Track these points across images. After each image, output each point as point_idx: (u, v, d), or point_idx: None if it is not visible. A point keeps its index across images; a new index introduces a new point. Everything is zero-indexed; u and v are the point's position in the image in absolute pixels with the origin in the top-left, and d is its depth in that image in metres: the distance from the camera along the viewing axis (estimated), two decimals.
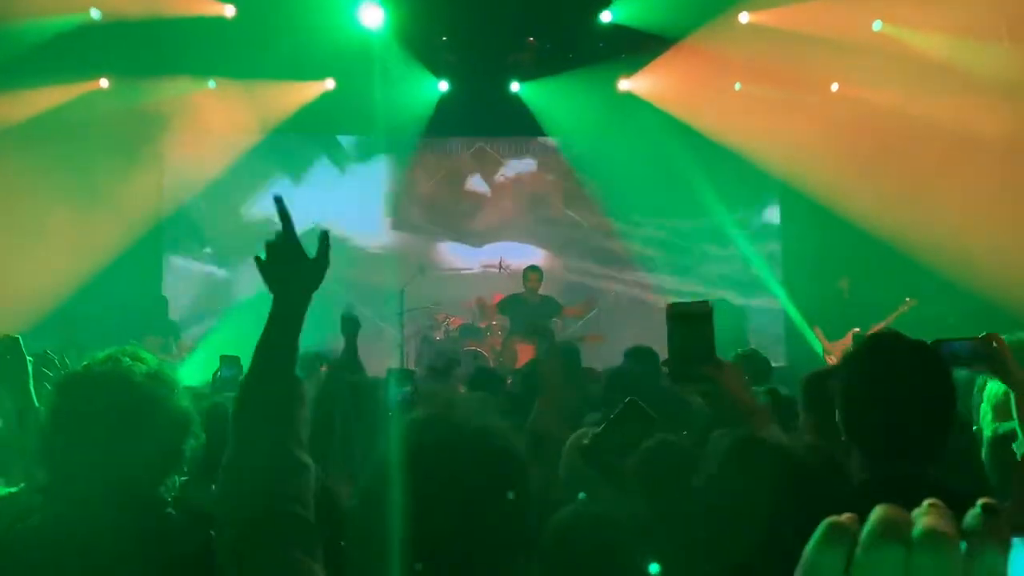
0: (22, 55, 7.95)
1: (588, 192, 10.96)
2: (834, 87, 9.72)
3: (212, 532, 1.58)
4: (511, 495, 1.20)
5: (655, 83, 10.01)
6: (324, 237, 1.50)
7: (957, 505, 0.51)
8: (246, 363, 3.03)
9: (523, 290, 9.18)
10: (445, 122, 10.26)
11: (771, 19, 8.78)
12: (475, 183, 11.19)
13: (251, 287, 10.38)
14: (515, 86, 10.41)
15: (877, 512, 0.49)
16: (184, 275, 10.54)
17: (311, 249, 1.51)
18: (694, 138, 9.83)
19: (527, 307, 9.01)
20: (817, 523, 0.52)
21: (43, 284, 8.04)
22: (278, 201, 1.52)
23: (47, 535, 1.54)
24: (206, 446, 1.76)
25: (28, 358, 2.43)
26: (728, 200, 11.02)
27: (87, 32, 8.35)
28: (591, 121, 10.08)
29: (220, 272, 10.67)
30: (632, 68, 10.10)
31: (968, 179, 7.95)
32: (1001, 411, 2.41)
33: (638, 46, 9.75)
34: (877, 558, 0.47)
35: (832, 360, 8.61)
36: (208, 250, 10.68)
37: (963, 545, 0.48)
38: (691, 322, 1.90)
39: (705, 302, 1.94)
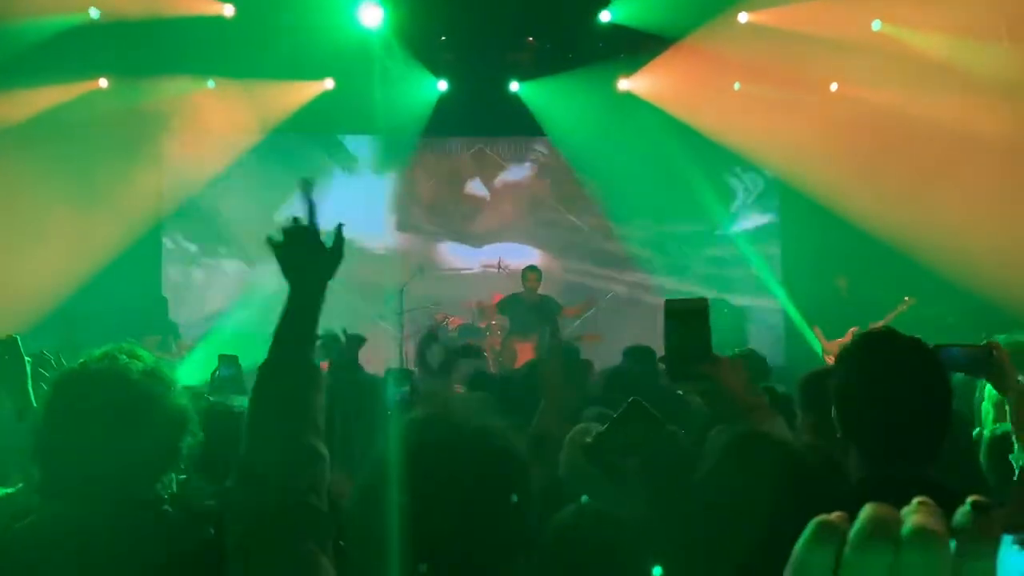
0: (21, 55, 7.94)
1: (587, 192, 10.96)
2: (833, 87, 9.72)
3: (211, 529, 1.58)
4: (514, 497, 1.20)
5: (654, 83, 10.01)
6: (339, 230, 1.52)
7: (954, 505, 0.52)
8: (245, 363, 3.03)
9: (522, 290, 9.19)
10: (444, 122, 10.25)
11: (770, 19, 8.78)
12: (475, 187, 11.20)
13: (252, 288, 10.41)
14: (514, 86, 10.40)
15: (866, 511, 0.49)
16: (186, 275, 10.54)
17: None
18: (693, 138, 9.83)
19: (526, 307, 9.02)
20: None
21: (42, 284, 8.03)
22: (306, 185, 1.53)
23: (43, 534, 1.53)
24: (204, 445, 1.75)
25: (26, 358, 2.43)
26: (727, 200, 11.04)
27: (86, 32, 8.35)
28: (590, 121, 10.07)
29: (221, 273, 10.68)
30: (631, 68, 10.10)
31: (967, 179, 7.95)
32: (1003, 410, 2.41)
33: (637, 46, 9.75)
34: (866, 557, 0.48)
35: (831, 360, 8.61)
36: (214, 249, 10.69)
37: (953, 543, 0.48)
38: (687, 319, 1.90)
39: (701, 299, 1.94)
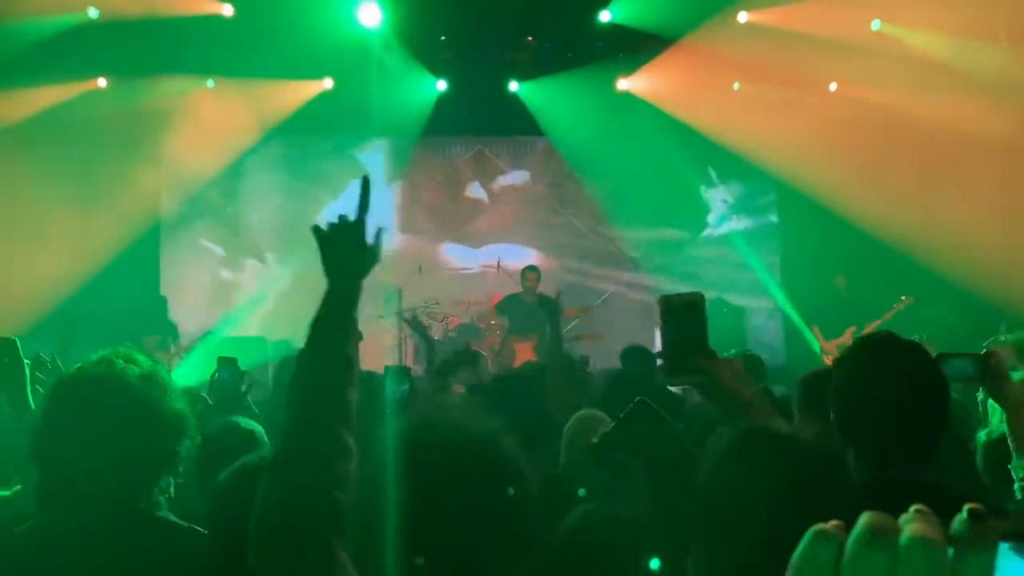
0: (20, 54, 7.93)
1: (586, 193, 10.96)
2: (832, 87, 9.72)
3: (204, 532, 1.58)
4: (511, 491, 1.21)
5: (654, 83, 10.01)
6: (380, 232, 1.56)
7: (952, 507, 0.51)
8: (243, 363, 3.02)
9: (521, 290, 9.19)
10: (443, 121, 10.25)
11: (770, 18, 8.78)
12: (474, 189, 11.20)
13: (254, 288, 10.44)
14: (514, 85, 10.40)
15: (864, 519, 0.49)
16: (189, 274, 10.56)
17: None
18: (693, 138, 9.83)
19: (525, 307, 9.02)
20: (822, 521, 0.52)
21: (41, 284, 8.03)
22: (365, 181, 1.55)
23: (42, 539, 1.53)
24: (208, 459, 1.75)
25: (25, 361, 2.42)
26: (725, 199, 11.05)
27: (85, 31, 8.34)
28: (590, 121, 10.07)
29: (225, 273, 10.70)
30: (631, 68, 10.10)
31: (967, 179, 7.95)
32: None
33: (637, 46, 9.75)
34: (864, 566, 0.47)
35: (829, 360, 8.61)
36: (218, 250, 10.72)
37: (950, 552, 0.48)
38: (683, 313, 1.91)
39: (697, 293, 1.94)
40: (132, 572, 1.53)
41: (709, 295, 2.36)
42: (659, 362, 2.03)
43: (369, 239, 1.55)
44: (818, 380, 2.84)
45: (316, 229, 1.54)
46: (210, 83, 9.65)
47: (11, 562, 1.51)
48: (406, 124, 10.09)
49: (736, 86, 9.95)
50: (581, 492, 2.29)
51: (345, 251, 1.51)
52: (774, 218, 10.96)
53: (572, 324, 9.44)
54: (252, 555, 1.29)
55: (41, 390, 2.39)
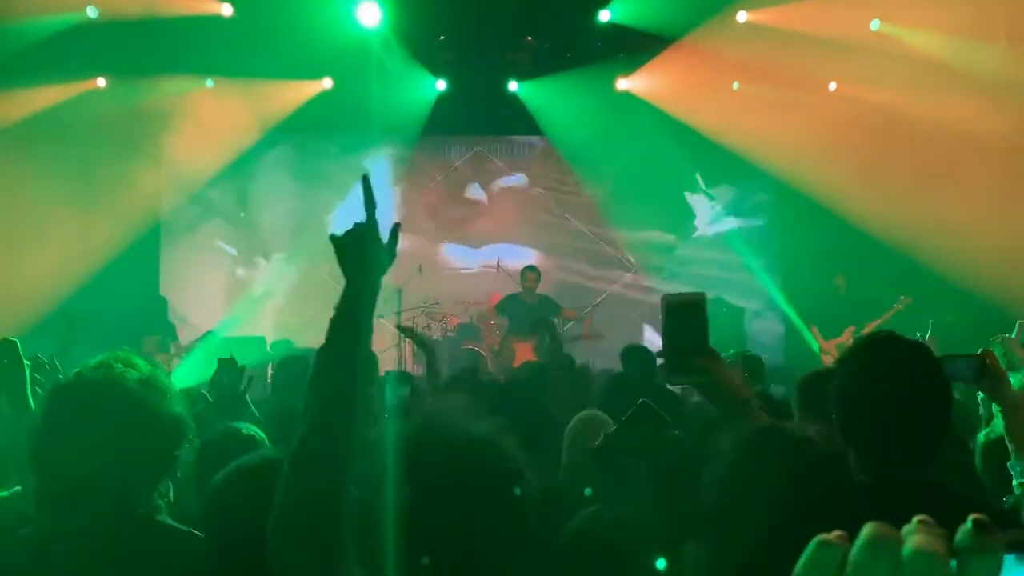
0: (19, 54, 7.93)
1: (585, 193, 10.96)
2: (832, 86, 9.71)
3: (201, 535, 1.58)
4: (517, 491, 1.22)
5: (653, 82, 10.00)
6: (395, 231, 1.59)
7: (954, 507, 0.51)
8: (243, 363, 3.01)
9: (520, 290, 9.20)
10: (443, 121, 10.25)
11: (769, 18, 8.77)
12: (474, 191, 11.20)
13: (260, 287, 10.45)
14: (513, 85, 10.40)
15: (866, 530, 0.49)
16: (201, 274, 10.58)
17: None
18: (692, 137, 9.83)
19: (525, 307, 9.03)
20: (827, 521, 0.52)
21: (41, 284, 8.02)
22: (365, 180, 1.57)
23: (41, 543, 1.53)
24: (207, 463, 1.74)
25: (26, 362, 2.42)
26: (724, 198, 11.05)
27: (84, 31, 8.34)
28: (589, 120, 10.07)
29: (240, 271, 10.72)
30: (630, 67, 10.10)
31: (966, 178, 7.95)
32: None
33: (636, 45, 9.74)
34: None
35: (828, 359, 8.62)
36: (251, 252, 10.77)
37: (954, 564, 0.47)
38: (685, 313, 1.91)
39: (699, 293, 1.95)
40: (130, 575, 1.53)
41: (708, 295, 2.37)
42: (660, 362, 2.03)
43: (383, 237, 1.57)
44: (817, 381, 2.84)
45: (332, 237, 1.56)
46: (209, 83, 9.65)
47: (11, 565, 1.51)
48: (405, 124, 10.09)
49: (735, 86, 9.96)
50: (587, 491, 2.29)
51: (361, 250, 1.52)
52: (772, 218, 10.96)
53: (570, 324, 9.45)
54: (271, 556, 1.29)
55: (40, 391, 2.39)
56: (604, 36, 9.70)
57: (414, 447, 1.25)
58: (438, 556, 1.16)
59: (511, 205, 11.20)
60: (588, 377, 5.03)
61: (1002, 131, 7.69)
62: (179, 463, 1.69)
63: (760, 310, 10.52)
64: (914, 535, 0.48)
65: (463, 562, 1.19)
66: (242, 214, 10.74)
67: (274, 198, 10.79)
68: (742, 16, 8.91)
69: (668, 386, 4.03)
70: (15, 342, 2.43)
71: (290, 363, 4.73)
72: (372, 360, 1.50)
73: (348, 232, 1.55)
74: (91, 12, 8.37)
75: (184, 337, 8.92)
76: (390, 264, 1.57)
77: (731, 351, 5.11)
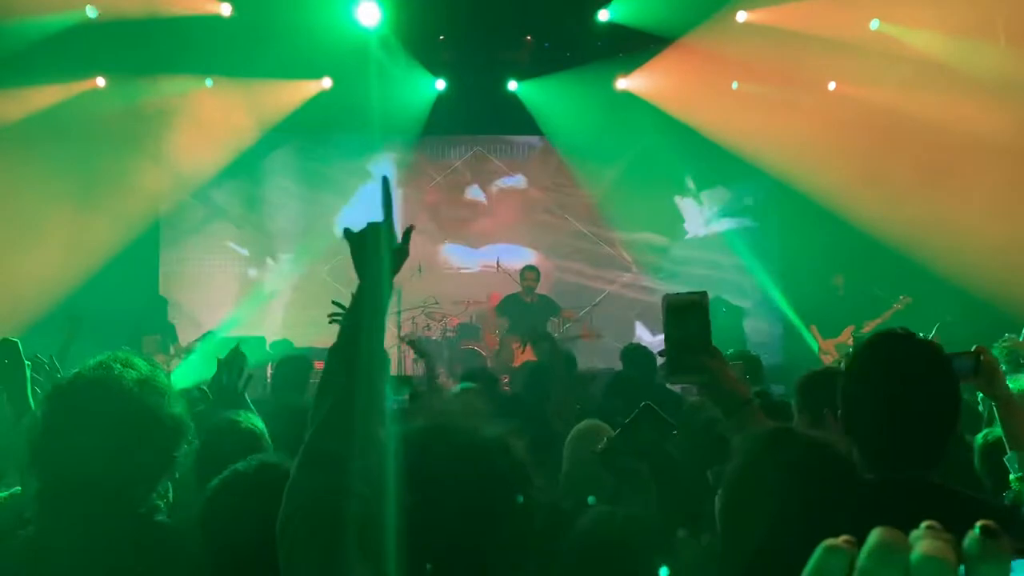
0: (19, 53, 7.92)
1: (584, 193, 10.96)
2: (831, 86, 9.72)
3: (201, 537, 1.58)
4: (520, 499, 1.21)
5: (653, 82, 10.01)
6: (408, 232, 1.61)
7: (963, 512, 0.51)
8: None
9: (520, 289, 9.20)
10: (443, 121, 10.25)
11: (768, 18, 8.78)
12: (473, 192, 11.21)
13: (253, 289, 10.45)
14: (512, 85, 10.39)
15: (874, 536, 0.49)
16: (199, 275, 10.59)
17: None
18: (691, 137, 9.84)
19: (525, 307, 9.03)
20: (834, 523, 0.51)
21: (41, 284, 8.02)
22: (385, 182, 1.60)
23: (41, 544, 1.53)
24: (206, 457, 1.74)
25: (26, 362, 2.42)
26: (723, 198, 11.06)
27: (84, 31, 8.33)
28: (589, 120, 10.07)
29: (252, 272, 10.73)
30: (630, 67, 10.09)
31: (965, 178, 7.96)
32: None
33: (636, 45, 9.74)
34: None
35: (827, 359, 8.62)
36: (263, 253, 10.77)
37: (962, 570, 0.47)
38: (687, 312, 1.91)
39: (701, 291, 1.95)
40: None
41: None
42: (661, 360, 2.03)
43: (397, 238, 1.58)
44: (817, 380, 2.84)
45: (347, 232, 1.56)
46: (208, 82, 9.64)
47: (11, 565, 1.51)
48: (405, 124, 10.09)
49: (735, 85, 9.96)
50: (591, 500, 2.29)
51: (376, 249, 1.53)
52: (770, 217, 10.96)
53: (569, 324, 9.45)
54: (280, 556, 1.30)
55: (40, 391, 2.39)
56: (603, 36, 9.70)
57: (420, 450, 1.24)
58: (442, 563, 1.15)
59: (510, 205, 11.20)
60: (589, 376, 5.04)
61: (1001, 131, 7.69)
62: (178, 463, 1.69)
63: (758, 310, 10.52)
64: (922, 540, 0.48)
65: (468, 569, 1.19)
66: (244, 215, 10.72)
67: (275, 199, 10.79)
68: (741, 16, 8.91)
69: (669, 385, 4.04)
70: (16, 342, 2.43)
71: (289, 362, 4.74)
72: (384, 359, 1.51)
73: (363, 230, 1.56)
74: (90, 12, 8.36)
75: (192, 338, 8.93)
76: (402, 263, 1.59)
77: (730, 350, 5.11)
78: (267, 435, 2.37)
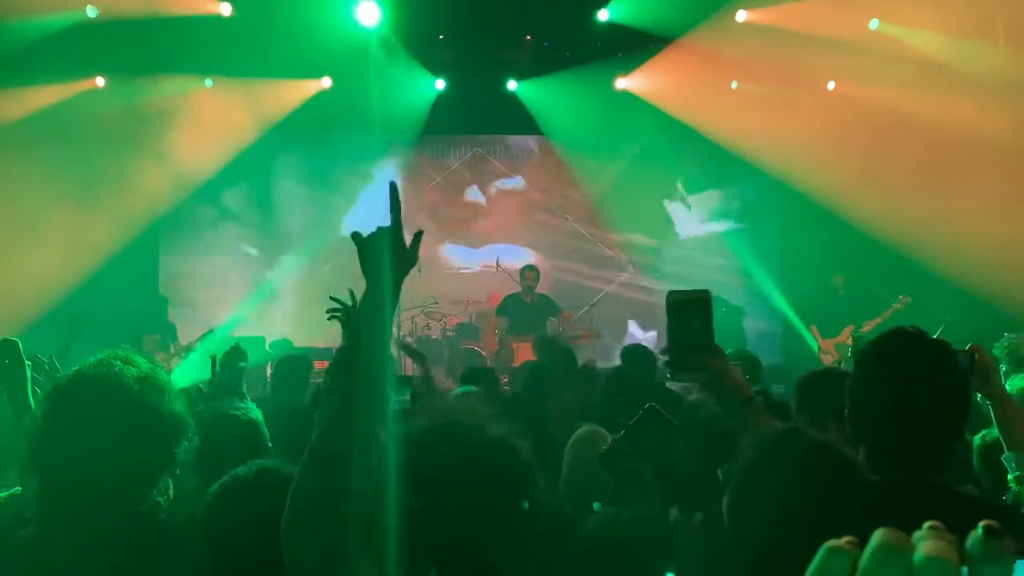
0: (18, 53, 7.92)
1: (583, 193, 10.96)
2: (831, 85, 9.72)
3: (201, 534, 1.58)
4: (525, 504, 1.22)
5: (652, 82, 10.01)
6: (417, 236, 1.61)
7: (965, 512, 0.51)
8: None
9: (520, 289, 9.20)
10: (442, 121, 10.25)
11: (768, 17, 8.78)
12: (473, 193, 11.21)
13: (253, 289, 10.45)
14: (512, 84, 10.40)
15: (877, 537, 0.49)
16: (205, 275, 10.60)
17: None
18: (691, 137, 9.84)
19: (524, 307, 9.03)
20: (839, 524, 0.51)
21: (41, 283, 8.01)
22: (393, 187, 1.60)
23: (42, 543, 1.53)
24: (206, 450, 1.74)
25: (26, 362, 2.42)
26: (723, 198, 11.06)
27: (83, 30, 8.33)
28: (588, 120, 10.08)
29: (242, 274, 10.75)
30: (629, 66, 10.10)
31: (964, 178, 7.95)
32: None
33: (635, 45, 9.75)
34: None
35: (827, 359, 8.62)
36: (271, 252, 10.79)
37: (964, 570, 0.47)
38: (689, 310, 1.91)
39: (703, 289, 1.94)
40: (132, 575, 1.53)
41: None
42: (662, 359, 2.03)
43: (406, 242, 1.59)
44: (816, 381, 2.85)
45: (355, 235, 1.57)
46: (208, 82, 9.64)
47: (11, 565, 1.50)
48: (405, 124, 10.09)
49: (734, 85, 9.96)
50: (596, 505, 2.29)
51: (383, 254, 1.54)
52: (770, 217, 10.96)
53: (568, 323, 9.46)
54: (285, 556, 1.30)
55: (39, 391, 2.39)
56: (603, 35, 9.70)
57: (423, 449, 1.24)
58: (445, 562, 1.15)
59: (510, 206, 11.21)
60: (590, 376, 5.03)
61: (1001, 131, 7.69)
62: (178, 461, 1.69)
63: (758, 310, 10.52)
64: (925, 541, 0.48)
65: (470, 569, 1.19)
66: (245, 215, 10.74)
67: (275, 199, 10.80)
68: (741, 15, 8.92)
69: (669, 383, 4.04)
70: (16, 342, 2.43)
71: (289, 362, 4.74)
72: (387, 362, 1.51)
73: (372, 234, 1.57)
74: (90, 11, 8.36)
75: (193, 337, 8.93)
76: (411, 268, 1.60)
77: (729, 350, 5.11)
78: (265, 431, 2.39)
